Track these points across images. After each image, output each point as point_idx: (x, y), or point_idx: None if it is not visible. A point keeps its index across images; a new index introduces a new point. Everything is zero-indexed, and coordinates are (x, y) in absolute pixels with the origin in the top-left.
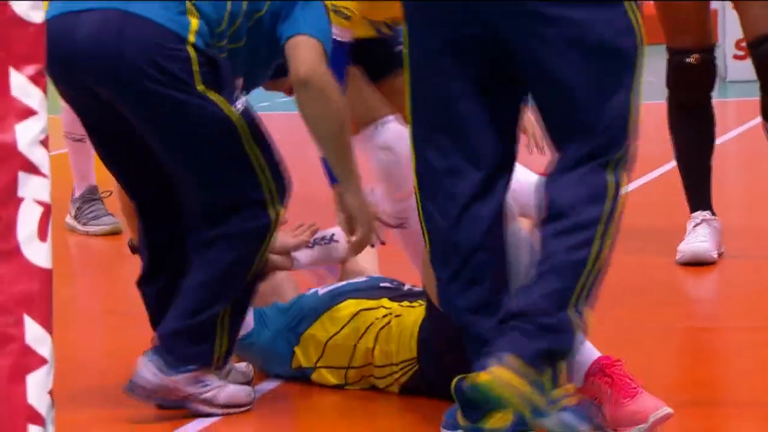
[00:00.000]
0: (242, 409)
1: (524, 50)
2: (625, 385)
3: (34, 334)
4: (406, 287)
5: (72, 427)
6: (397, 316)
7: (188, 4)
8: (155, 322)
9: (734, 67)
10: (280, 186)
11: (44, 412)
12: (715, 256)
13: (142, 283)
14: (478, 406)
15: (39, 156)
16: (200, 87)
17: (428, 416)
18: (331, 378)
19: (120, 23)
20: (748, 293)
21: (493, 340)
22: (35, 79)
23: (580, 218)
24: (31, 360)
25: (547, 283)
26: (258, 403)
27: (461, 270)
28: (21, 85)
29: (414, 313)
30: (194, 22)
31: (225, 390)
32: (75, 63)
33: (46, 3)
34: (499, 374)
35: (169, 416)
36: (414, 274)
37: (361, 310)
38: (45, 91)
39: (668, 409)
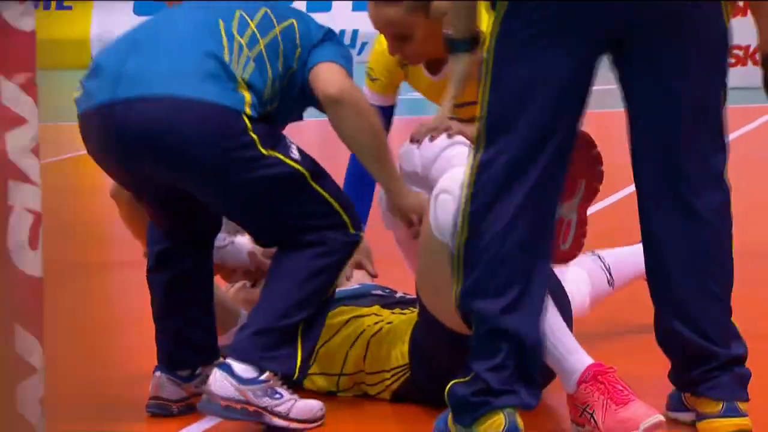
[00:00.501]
0: (316, 424)
1: (657, 48)
2: (617, 393)
3: (24, 343)
4: (399, 295)
5: None
6: (389, 323)
7: (239, 79)
8: (159, 312)
9: None
10: (352, 215)
11: (35, 421)
12: None
13: (152, 270)
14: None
15: (29, 164)
16: (263, 151)
17: (419, 422)
18: (322, 384)
19: (180, 111)
20: (743, 301)
21: (704, 388)
22: (26, 88)
23: (724, 259)
24: (21, 369)
25: (724, 318)
26: None
27: (496, 272)
28: (12, 93)
29: (406, 321)
30: (247, 96)
31: (298, 404)
32: (137, 154)
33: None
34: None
35: (162, 425)
36: (406, 281)
37: (353, 317)
38: (36, 99)
39: (660, 417)
